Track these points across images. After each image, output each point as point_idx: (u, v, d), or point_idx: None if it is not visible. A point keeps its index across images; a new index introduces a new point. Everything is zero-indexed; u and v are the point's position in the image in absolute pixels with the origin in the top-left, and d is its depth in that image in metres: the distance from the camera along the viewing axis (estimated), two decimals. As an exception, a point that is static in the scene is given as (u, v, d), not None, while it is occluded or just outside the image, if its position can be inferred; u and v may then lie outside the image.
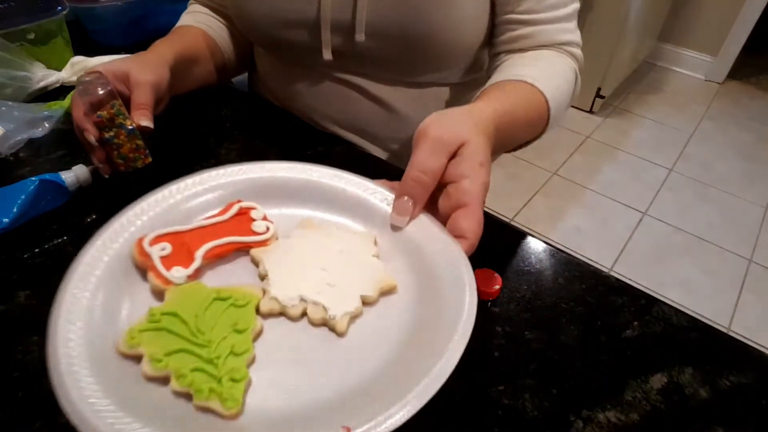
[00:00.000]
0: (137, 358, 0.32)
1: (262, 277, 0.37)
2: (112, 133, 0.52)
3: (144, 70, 0.55)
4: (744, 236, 1.84)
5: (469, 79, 0.71)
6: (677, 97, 2.61)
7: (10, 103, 0.67)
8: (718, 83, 2.74)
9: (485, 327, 0.47)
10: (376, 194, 0.42)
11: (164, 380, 0.31)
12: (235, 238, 0.38)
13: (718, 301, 1.60)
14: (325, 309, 0.34)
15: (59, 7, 0.76)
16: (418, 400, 0.29)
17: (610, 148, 2.22)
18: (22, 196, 0.52)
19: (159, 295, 0.36)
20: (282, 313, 0.35)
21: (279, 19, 0.62)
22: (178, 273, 0.35)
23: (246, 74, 0.86)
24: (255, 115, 0.73)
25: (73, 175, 0.56)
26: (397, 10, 0.57)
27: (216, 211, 0.41)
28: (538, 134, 0.61)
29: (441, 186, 0.39)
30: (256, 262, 0.38)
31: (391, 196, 0.41)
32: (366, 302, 0.35)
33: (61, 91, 0.74)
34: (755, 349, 0.47)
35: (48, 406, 0.39)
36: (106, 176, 0.55)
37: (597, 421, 0.41)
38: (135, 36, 0.85)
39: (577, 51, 0.66)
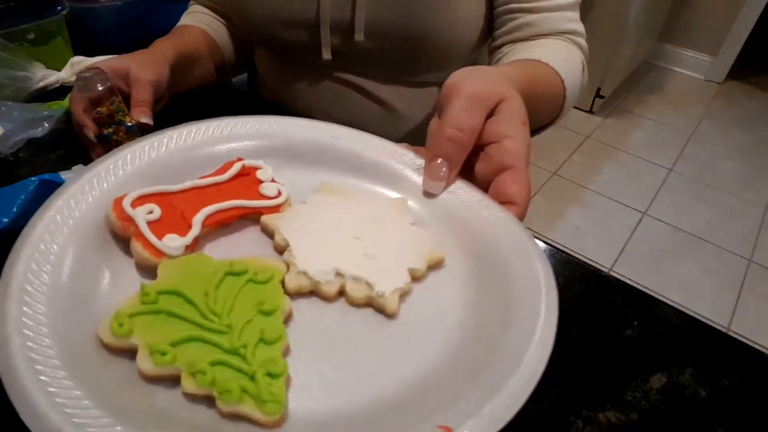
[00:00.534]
0: (129, 352, 0.24)
1: (281, 249, 0.30)
2: (111, 130, 0.52)
3: (144, 68, 0.55)
4: (744, 236, 1.84)
5: None
6: (677, 97, 2.61)
7: (9, 103, 0.66)
8: (718, 83, 2.74)
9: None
10: (404, 158, 0.35)
11: (172, 380, 0.24)
12: (240, 202, 0.31)
13: (718, 301, 1.60)
14: (369, 285, 0.28)
15: (59, 7, 0.76)
16: (523, 388, 0.24)
17: (610, 148, 2.22)
18: (22, 196, 0.52)
19: (147, 270, 0.28)
20: (313, 292, 0.28)
21: (278, 19, 0.62)
22: (172, 242, 0.28)
23: (246, 74, 0.86)
24: (254, 115, 0.73)
25: (73, 175, 0.56)
26: (396, 10, 0.57)
27: (211, 171, 0.33)
28: (554, 116, 0.59)
29: (477, 148, 0.34)
30: (269, 232, 0.31)
31: (420, 161, 0.35)
32: (414, 277, 0.29)
33: (60, 91, 0.74)
34: (755, 349, 0.47)
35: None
36: None
37: (597, 421, 0.41)
38: (135, 36, 0.85)
39: (582, 41, 0.64)
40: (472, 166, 0.34)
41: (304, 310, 0.28)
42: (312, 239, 0.30)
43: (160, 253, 0.28)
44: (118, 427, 0.20)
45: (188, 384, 0.23)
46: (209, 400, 0.23)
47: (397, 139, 0.71)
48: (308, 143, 0.36)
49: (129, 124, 0.52)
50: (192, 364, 0.23)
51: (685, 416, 0.41)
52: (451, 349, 0.26)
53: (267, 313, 0.25)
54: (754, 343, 1.41)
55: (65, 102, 0.69)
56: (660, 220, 1.88)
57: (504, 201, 0.33)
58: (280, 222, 0.31)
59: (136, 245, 0.28)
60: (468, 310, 0.28)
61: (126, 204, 0.29)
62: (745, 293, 1.63)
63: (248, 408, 0.22)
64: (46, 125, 0.66)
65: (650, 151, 2.22)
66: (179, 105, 0.66)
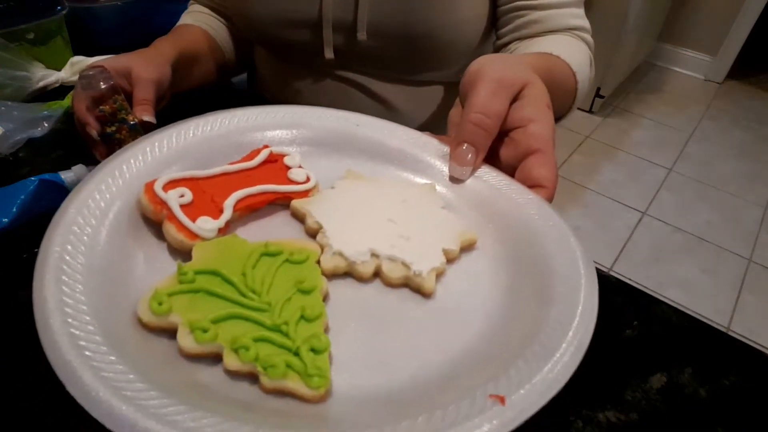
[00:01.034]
0: (167, 331, 0.25)
1: (313, 233, 0.30)
2: (114, 128, 0.52)
3: (146, 67, 0.55)
4: (743, 236, 1.84)
5: None
6: (677, 97, 2.61)
7: (9, 102, 0.66)
8: (718, 83, 2.74)
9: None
10: (429, 145, 0.35)
11: (213, 357, 0.24)
12: (270, 187, 0.31)
13: (718, 301, 1.60)
14: (406, 265, 0.28)
15: (59, 7, 0.76)
16: (572, 356, 0.24)
17: (610, 147, 2.22)
18: (22, 196, 0.52)
19: (180, 253, 0.28)
20: (348, 272, 0.28)
21: (280, 19, 0.62)
22: (206, 225, 0.28)
23: (246, 74, 0.86)
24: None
25: (73, 175, 0.56)
26: (398, 10, 0.57)
27: (238, 158, 0.33)
28: (567, 108, 0.59)
29: (501, 134, 0.34)
30: (300, 216, 0.32)
31: (445, 148, 0.35)
32: (448, 258, 0.29)
33: (60, 90, 0.74)
34: (755, 348, 0.47)
35: (48, 407, 0.39)
36: None
37: (597, 421, 0.41)
38: (135, 36, 0.85)
39: (588, 37, 0.65)
40: (497, 152, 0.34)
41: (341, 290, 0.28)
42: (344, 222, 0.30)
43: (194, 236, 0.28)
44: (166, 400, 0.20)
45: (231, 360, 0.23)
46: (251, 377, 0.23)
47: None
48: (334, 132, 0.36)
49: (132, 122, 0.52)
50: (234, 341, 0.23)
51: (684, 416, 0.41)
52: (492, 324, 0.27)
53: (306, 292, 0.26)
54: (754, 342, 1.41)
55: (65, 102, 0.69)
56: (660, 220, 1.89)
57: (532, 185, 0.33)
58: (311, 206, 0.31)
59: (170, 228, 0.28)
60: (504, 287, 0.29)
61: (158, 188, 0.29)
62: (745, 293, 1.63)
63: (293, 383, 0.22)
64: (46, 125, 0.66)
65: (650, 150, 2.22)
66: (180, 105, 0.66)
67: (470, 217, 0.32)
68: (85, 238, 0.27)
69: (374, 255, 0.29)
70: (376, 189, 0.33)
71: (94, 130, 0.51)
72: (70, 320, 0.22)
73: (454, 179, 0.33)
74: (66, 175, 0.55)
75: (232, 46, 0.74)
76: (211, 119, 0.35)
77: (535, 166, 0.33)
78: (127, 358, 0.22)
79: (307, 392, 0.22)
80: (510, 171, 0.35)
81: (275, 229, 0.31)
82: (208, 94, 0.75)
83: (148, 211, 0.30)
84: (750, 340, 1.47)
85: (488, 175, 0.34)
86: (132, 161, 0.31)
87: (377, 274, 0.29)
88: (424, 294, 0.28)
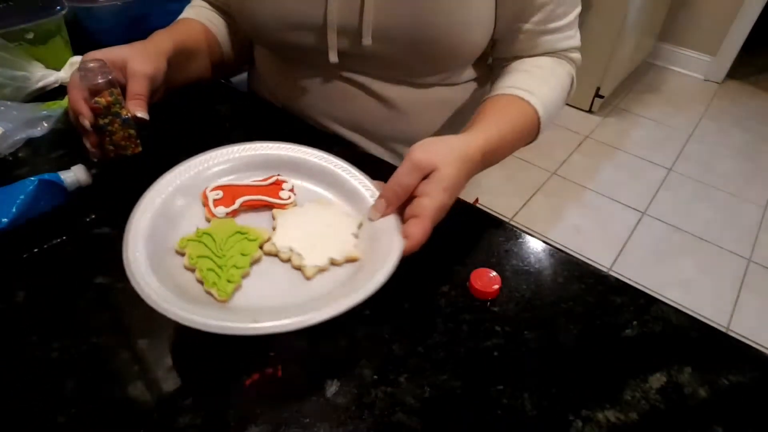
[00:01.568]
0: (183, 254, 0.46)
1: (274, 228, 0.49)
2: (106, 121, 0.52)
3: (142, 61, 0.55)
4: (743, 236, 1.84)
5: (473, 79, 0.71)
6: (676, 97, 2.61)
7: (8, 102, 0.67)
8: (717, 83, 2.74)
9: (484, 327, 0.47)
10: (370, 191, 0.53)
11: (193, 271, 0.45)
12: (265, 198, 0.51)
13: (717, 301, 1.60)
14: (302, 258, 0.46)
15: (58, 7, 0.76)
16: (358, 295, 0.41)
17: (610, 147, 2.23)
18: (21, 196, 0.52)
19: (207, 222, 0.50)
20: (276, 255, 0.47)
21: (285, 22, 0.62)
22: (220, 211, 0.49)
23: (246, 75, 0.86)
24: (254, 115, 0.73)
25: (73, 175, 0.56)
26: (404, 15, 0.57)
27: (261, 178, 0.54)
28: (527, 143, 0.65)
29: (413, 197, 0.48)
30: (273, 217, 0.51)
31: (377, 194, 0.52)
32: (333, 263, 0.47)
33: (60, 90, 0.74)
34: (754, 348, 0.47)
35: (47, 406, 0.39)
36: (95, 160, 0.56)
37: (596, 421, 0.41)
38: (134, 36, 0.84)
39: (576, 55, 0.68)
40: (404, 206, 0.49)
41: (269, 261, 0.47)
42: (290, 227, 0.49)
43: (213, 215, 0.49)
44: (168, 292, 0.40)
45: (197, 274, 0.44)
46: (202, 283, 0.44)
47: (400, 139, 0.72)
48: (320, 169, 0.55)
49: (125, 116, 0.53)
50: (201, 267, 0.44)
51: (684, 415, 0.41)
52: (339, 282, 0.46)
53: (244, 255, 0.46)
54: (754, 342, 1.41)
55: (64, 102, 0.69)
56: (659, 220, 1.89)
57: (405, 236, 0.46)
58: (279, 214, 0.51)
59: (206, 209, 0.50)
60: (351, 275, 0.47)
61: (208, 190, 0.51)
62: (745, 293, 1.63)
63: (213, 291, 0.43)
64: (45, 125, 0.66)
65: (650, 150, 2.22)
66: (179, 105, 0.66)
67: (362, 244, 0.49)
68: (159, 202, 0.48)
69: (291, 250, 0.47)
70: (322, 213, 0.51)
71: (87, 120, 0.51)
72: (135, 244, 0.44)
73: (372, 217, 0.50)
74: (65, 175, 0.55)
75: (230, 44, 0.74)
76: (245, 146, 0.56)
77: (411, 225, 0.45)
78: (157, 269, 0.42)
79: (217, 296, 0.42)
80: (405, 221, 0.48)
81: (258, 220, 0.50)
82: (207, 94, 0.75)
83: (202, 200, 0.51)
84: (750, 340, 1.47)
85: (391, 221, 0.49)
86: (196, 162, 0.53)
87: (289, 259, 0.47)
88: (306, 277, 0.46)
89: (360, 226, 0.50)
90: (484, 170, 0.57)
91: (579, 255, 1.66)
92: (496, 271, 0.50)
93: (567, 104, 2.47)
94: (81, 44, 0.82)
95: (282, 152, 0.56)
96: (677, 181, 2.07)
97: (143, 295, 0.39)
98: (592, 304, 0.50)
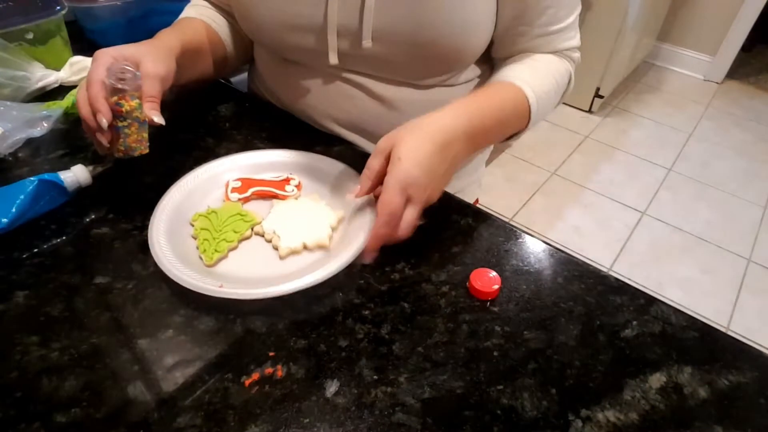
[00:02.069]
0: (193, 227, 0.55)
1: (268, 214, 0.57)
2: (125, 123, 0.53)
3: (155, 61, 0.55)
4: (743, 236, 1.84)
5: (474, 79, 0.71)
6: (676, 97, 2.61)
7: (8, 102, 0.66)
8: (717, 83, 2.74)
9: (484, 326, 0.47)
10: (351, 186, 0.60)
11: (195, 239, 0.54)
12: (273, 189, 0.60)
13: (717, 301, 1.60)
14: (280, 240, 0.54)
15: (58, 7, 0.76)
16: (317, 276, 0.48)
17: (609, 147, 2.23)
18: (21, 197, 0.52)
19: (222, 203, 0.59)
20: (262, 235, 0.55)
21: (286, 24, 0.62)
22: (234, 196, 0.58)
23: (246, 74, 0.86)
24: (254, 116, 0.73)
25: (72, 175, 0.56)
26: (404, 17, 0.57)
27: (277, 174, 0.62)
28: (518, 130, 0.65)
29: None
30: (272, 205, 0.59)
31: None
32: (305, 248, 0.54)
33: (59, 90, 0.74)
34: (754, 348, 0.47)
35: (46, 406, 0.39)
36: (102, 154, 0.57)
37: (596, 421, 0.41)
38: (134, 36, 0.85)
39: (575, 54, 0.69)
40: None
41: (255, 240, 0.55)
42: (280, 214, 0.57)
43: (228, 199, 0.58)
44: (178, 263, 0.49)
45: (197, 242, 0.53)
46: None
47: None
48: (327, 173, 0.63)
49: (142, 121, 0.54)
50: (200, 236, 0.53)
51: (683, 416, 0.41)
52: (306, 265, 0.52)
53: (236, 232, 0.54)
54: (753, 342, 1.41)
55: (64, 102, 0.69)
56: (659, 220, 1.89)
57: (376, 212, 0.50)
58: (277, 203, 0.59)
59: (224, 195, 0.59)
60: (315, 264, 0.52)
61: (230, 180, 0.61)
62: (744, 293, 1.63)
63: (204, 256, 0.51)
64: (45, 125, 0.66)
65: (649, 150, 2.22)
66: (179, 106, 0.66)
67: (339, 234, 0.56)
68: (192, 185, 0.59)
69: (274, 232, 0.54)
70: (310, 206, 0.58)
71: (105, 118, 0.51)
72: (161, 217, 0.54)
73: (348, 197, 0.55)
74: (65, 175, 0.55)
75: (233, 43, 0.74)
76: (262, 152, 0.65)
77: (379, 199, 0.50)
78: (172, 242, 0.52)
79: (206, 261, 0.51)
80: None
81: (262, 207, 0.59)
82: (207, 94, 0.75)
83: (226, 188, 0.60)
84: (749, 339, 1.48)
85: (367, 218, 0.55)
86: (221, 160, 0.63)
87: (270, 240, 0.54)
88: (279, 256, 0.53)
89: (340, 220, 0.57)
90: (484, 170, 0.57)
91: (579, 255, 1.66)
92: (496, 271, 0.50)
93: (567, 104, 2.47)
94: (81, 44, 0.82)
95: (300, 158, 0.64)
96: (677, 181, 2.07)
97: (151, 248, 0.49)
98: (592, 304, 0.50)
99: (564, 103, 2.72)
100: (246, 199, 0.59)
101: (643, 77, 2.75)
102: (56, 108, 0.68)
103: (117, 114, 0.52)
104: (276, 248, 0.54)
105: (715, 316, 1.56)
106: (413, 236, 0.50)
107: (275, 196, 0.60)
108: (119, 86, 0.52)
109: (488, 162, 1.94)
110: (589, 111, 2.42)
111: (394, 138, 0.52)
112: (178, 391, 0.41)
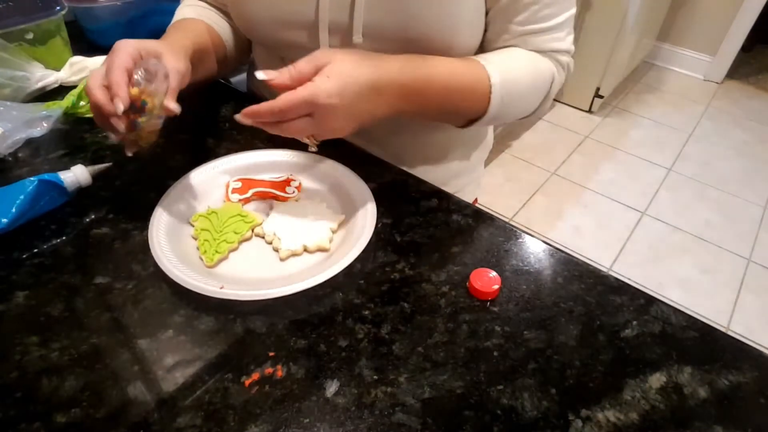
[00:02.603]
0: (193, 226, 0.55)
1: (268, 215, 0.58)
2: (144, 119, 0.52)
3: (176, 58, 0.55)
4: (743, 235, 1.84)
5: None
6: (676, 97, 2.62)
7: (8, 102, 0.66)
8: (717, 83, 2.74)
9: (484, 326, 0.47)
10: (362, 196, 0.59)
11: (195, 240, 0.54)
12: (273, 191, 0.60)
13: (717, 301, 1.60)
14: (281, 242, 0.54)
15: (58, 7, 0.76)
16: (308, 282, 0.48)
17: (609, 147, 2.23)
18: (21, 197, 0.52)
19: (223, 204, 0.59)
20: (262, 237, 0.55)
21: (278, 20, 0.62)
22: (234, 197, 0.58)
23: (245, 74, 0.86)
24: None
25: (72, 175, 0.56)
26: (394, 13, 0.57)
27: (278, 174, 0.62)
28: (475, 110, 0.62)
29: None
30: (272, 207, 0.59)
31: (368, 199, 0.58)
32: (306, 250, 0.54)
33: (59, 91, 0.74)
34: (754, 348, 0.47)
35: (46, 406, 0.39)
36: (114, 142, 0.55)
37: (596, 421, 0.41)
38: (134, 36, 0.85)
39: (564, 58, 0.66)
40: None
41: (255, 241, 0.55)
42: (280, 217, 0.57)
43: (228, 199, 0.58)
44: (180, 265, 0.49)
45: (197, 242, 0.53)
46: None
47: (395, 140, 0.72)
48: (326, 176, 0.63)
49: (160, 117, 0.53)
50: (201, 237, 0.53)
51: (683, 415, 0.41)
52: (306, 267, 0.52)
53: (236, 233, 0.54)
54: (753, 342, 1.41)
55: (64, 102, 0.69)
56: (659, 220, 1.89)
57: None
58: (277, 205, 0.59)
59: (224, 195, 0.59)
60: (315, 267, 0.52)
61: (231, 181, 0.61)
62: (744, 292, 1.64)
63: (204, 257, 0.52)
64: (45, 125, 0.66)
65: (649, 150, 2.22)
66: (180, 105, 0.66)
67: (339, 236, 0.56)
68: (193, 185, 0.59)
69: (275, 234, 0.54)
70: (310, 208, 0.58)
71: (122, 104, 0.49)
72: (161, 217, 0.54)
73: (256, 74, 0.53)
74: (65, 176, 0.55)
75: (233, 42, 0.74)
76: (266, 152, 0.65)
77: (299, 90, 0.50)
78: (172, 242, 0.52)
79: (206, 262, 0.51)
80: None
81: (261, 208, 0.59)
82: (207, 95, 0.75)
83: (226, 189, 0.60)
84: (749, 339, 1.48)
85: (368, 220, 0.55)
86: (222, 160, 0.63)
87: (271, 242, 0.54)
88: (280, 258, 0.53)
89: (341, 223, 0.57)
90: (484, 170, 0.57)
91: (578, 255, 1.66)
92: (496, 271, 0.50)
93: (567, 104, 2.46)
94: (81, 44, 0.82)
95: (300, 159, 0.64)
96: (677, 181, 2.07)
97: (152, 248, 0.49)
98: (592, 304, 0.50)
99: (564, 103, 2.71)
100: (246, 200, 0.59)
101: (643, 77, 2.75)
102: (56, 108, 0.68)
103: (137, 109, 0.51)
104: (276, 250, 0.54)
105: (715, 316, 1.56)
106: (413, 236, 0.50)
107: (276, 198, 0.59)
108: (144, 82, 0.51)
109: (488, 162, 1.94)
110: (589, 111, 2.42)
111: (335, 56, 0.52)
112: (178, 391, 0.41)
